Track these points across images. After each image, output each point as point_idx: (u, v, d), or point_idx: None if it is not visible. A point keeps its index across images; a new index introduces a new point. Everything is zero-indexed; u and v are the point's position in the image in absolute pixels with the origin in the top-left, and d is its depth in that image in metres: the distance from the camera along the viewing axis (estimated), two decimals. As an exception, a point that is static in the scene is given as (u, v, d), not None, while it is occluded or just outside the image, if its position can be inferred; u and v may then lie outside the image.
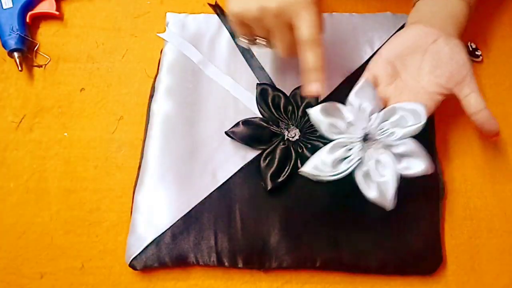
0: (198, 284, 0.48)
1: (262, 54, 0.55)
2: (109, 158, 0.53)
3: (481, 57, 0.55)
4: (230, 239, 0.47)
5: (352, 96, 0.46)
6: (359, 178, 0.44)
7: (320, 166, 0.44)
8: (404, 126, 0.44)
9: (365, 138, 0.45)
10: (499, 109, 0.54)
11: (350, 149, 0.44)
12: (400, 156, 0.44)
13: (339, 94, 0.53)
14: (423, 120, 0.44)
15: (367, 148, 0.44)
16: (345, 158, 0.44)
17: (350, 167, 0.43)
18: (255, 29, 0.46)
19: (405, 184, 0.49)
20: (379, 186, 0.43)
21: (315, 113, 0.45)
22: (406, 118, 0.45)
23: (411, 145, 0.44)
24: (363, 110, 0.45)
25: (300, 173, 0.45)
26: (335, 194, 0.49)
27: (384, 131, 0.45)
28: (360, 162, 0.44)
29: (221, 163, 0.50)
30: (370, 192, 0.43)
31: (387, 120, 0.46)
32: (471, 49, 0.55)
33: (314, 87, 0.44)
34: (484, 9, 0.58)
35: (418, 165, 0.43)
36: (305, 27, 0.43)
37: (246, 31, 0.47)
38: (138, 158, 0.52)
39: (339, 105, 0.46)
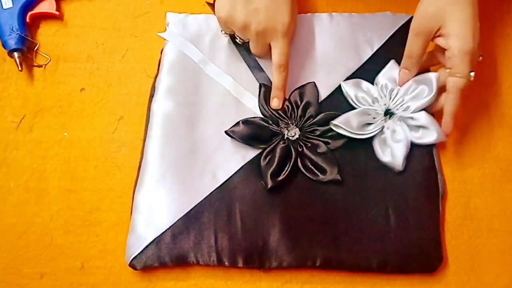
0: (198, 284, 0.48)
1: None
2: (109, 158, 0.53)
3: (481, 57, 0.55)
4: (230, 238, 0.47)
5: (379, 76, 0.53)
6: (376, 145, 0.51)
7: (348, 122, 0.50)
8: (422, 97, 0.50)
9: (386, 113, 0.52)
10: (499, 109, 0.54)
11: (374, 118, 0.51)
12: (415, 127, 0.51)
13: (340, 94, 0.53)
14: (434, 90, 0.50)
15: (387, 120, 0.51)
16: (370, 124, 0.51)
17: (373, 132, 0.51)
18: (236, 31, 0.52)
19: (406, 183, 0.50)
20: (392, 150, 0.50)
21: (346, 85, 0.53)
22: (423, 90, 0.51)
23: (424, 118, 0.50)
24: (386, 88, 0.52)
25: (330, 125, 0.50)
26: (335, 192, 0.49)
27: (401, 105, 0.51)
28: (380, 130, 0.51)
29: (221, 162, 0.50)
30: (385, 156, 0.50)
31: (407, 95, 0.51)
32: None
33: (274, 102, 0.52)
34: (484, 9, 0.58)
35: (430, 135, 0.50)
36: (277, 54, 0.51)
37: (228, 30, 0.53)
38: (138, 158, 0.52)
39: (367, 83, 0.53)
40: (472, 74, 0.48)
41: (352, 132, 0.50)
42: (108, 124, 0.54)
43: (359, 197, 0.49)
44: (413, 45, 0.50)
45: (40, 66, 0.57)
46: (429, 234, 0.48)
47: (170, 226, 0.48)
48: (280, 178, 0.49)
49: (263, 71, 0.54)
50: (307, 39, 0.56)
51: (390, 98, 0.52)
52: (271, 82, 0.54)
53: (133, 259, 0.47)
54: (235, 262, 0.47)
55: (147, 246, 0.47)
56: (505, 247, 0.49)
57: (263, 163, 0.49)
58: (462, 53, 0.47)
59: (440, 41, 0.49)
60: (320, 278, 0.48)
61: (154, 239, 0.47)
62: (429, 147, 0.51)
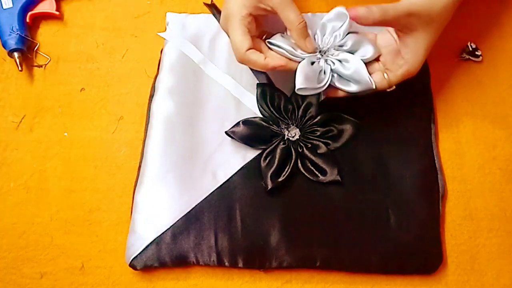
0: (198, 284, 0.48)
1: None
2: (109, 158, 0.53)
3: (481, 57, 0.55)
4: (230, 239, 0.47)
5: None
6: (337, 83, 0.47)
7: (308, 77, 0.46)
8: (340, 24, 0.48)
9: (321, 52, 0.48)
10: (499, 109, 0.54)
11: (319, 63, 0.48)
12: (352, 49, 0.48)
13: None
14: (347, 17, 0.48)
15: (327, 57, 0.48)
16: (320, 72, 0.47)
17: (328, 75, 0.47)
18: None
19: (406, 183, 0.50)
20: (353, 77, 0.47)
21: (276, 41, 0.48)
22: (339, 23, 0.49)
23: (354, 38, 0.48)
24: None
25: (297, 91, 0.46)
26: (335, 193, 0.49)
27: (329, 40, 0.48)
28: (331, 70, 0.47)
29: (221, 163, 0.50)
30: (352, 87, 0.47)
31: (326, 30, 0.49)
32: (471, 49, 0.55)
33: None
34: (484, 9, 0.58)
35: (368, 50, 0.47)
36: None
37: None
38: (138, 158, 0.52)
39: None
40: (393, 87, 0.47)
41: (315, 88, 0.46)
42: (108, 124, 0.54)
43: (359, 197, 0.49)
44: (390, 10, 0.44)
45: (40, 66, 0.57)
46: (429, 234, 0.48)
47: (170, 226, 0.48)
48: (280, 179, 0.49)
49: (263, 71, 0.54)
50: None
51: (317, 40, 0.49)
52: (271, 82, 0.54)
53: (133, 259, 0.47)
54: (235, 262, 0.47)
55: (147, 246, 0.47)
56: (505, 247, 0.49)
57: (263, 164, 0.49)
58: (406, 72, 0.46)
59: (401, 43, 0.46)
60: (320, 278, 0.48)
61: (154, 239, 0.47)
62: (429, 147, 0.51)
